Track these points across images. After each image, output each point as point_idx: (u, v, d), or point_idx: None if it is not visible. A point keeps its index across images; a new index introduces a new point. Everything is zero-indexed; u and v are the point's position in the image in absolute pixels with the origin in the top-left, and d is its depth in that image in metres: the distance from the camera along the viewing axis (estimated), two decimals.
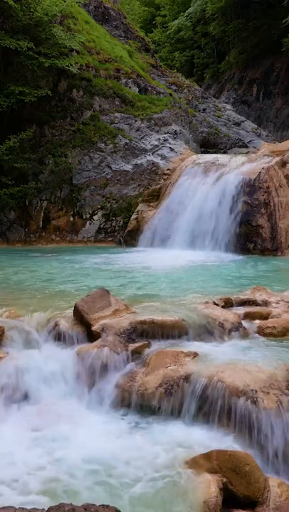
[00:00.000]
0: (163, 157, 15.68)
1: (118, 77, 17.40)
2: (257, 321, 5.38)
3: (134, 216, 14.50)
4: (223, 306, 5.61)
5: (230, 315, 5.31)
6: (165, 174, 15.20)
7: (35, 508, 2.49)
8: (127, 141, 15.94)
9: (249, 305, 5.82)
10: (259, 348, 4.76)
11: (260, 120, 28.80)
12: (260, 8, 29.86)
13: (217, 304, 5.61)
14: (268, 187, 12.46)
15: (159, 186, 14.84)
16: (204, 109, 20.61)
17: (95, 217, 15.11)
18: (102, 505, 2.51)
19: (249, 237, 12.18)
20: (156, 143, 16.06)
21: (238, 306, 5.81)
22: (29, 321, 5.14)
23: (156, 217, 13.85)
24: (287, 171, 12.57)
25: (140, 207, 14.60)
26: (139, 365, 4.49)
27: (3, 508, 2.45)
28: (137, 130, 16.34)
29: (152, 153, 15.80)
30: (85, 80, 16.45)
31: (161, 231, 13.39)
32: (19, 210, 15.10)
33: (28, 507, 2.53)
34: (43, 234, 15.12)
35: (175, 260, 10.54)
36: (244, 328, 5.23)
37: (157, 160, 15.59)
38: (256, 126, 22.90)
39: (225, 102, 27.76)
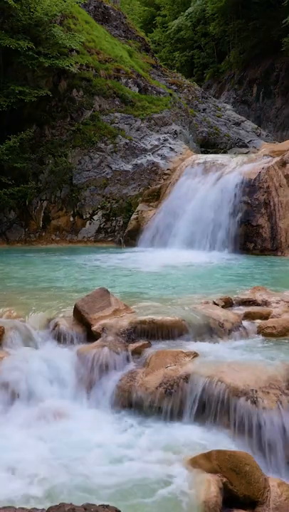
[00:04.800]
0: (163, 157, 15.67)
1: (118, 77, 17.40)
2: (257, 321, 5.38)
3: (134, 216, 14.49)
4: (223, 306, 5.61)
5: (231, 315, 5.31)
6: (165, 174, 15.20)
7: (35, 508, 2.49)
8: (127, 141, 15.93)
9: (249, 305, 5.82)
10: (259, 348, 4.76)
11: (260, 120, 28.76)
12: (260, 8, 29.81)
13: (217, 304, 5.61)
14: (268, 187, 12.46)
15: (159, 186, 14.83)
16: (204, 109, 20.61)
17: (95, 217, 15.11)
18: (102, 505, 2.51)
19: (249, 237, 12.17)
20: (156, 143, 16.05)
21: (238, 306, 5.80)
22: (29, 321, 5.14)
23: (156, 217, 13.85)
24: (287, 170, 12.57)
25: (140, 207, 14.59)
26: (139, 365, 4.49)
27: (3, 508, 2.45)
28: (137, 130, 16.34)
29: (152, 153, 15.79)
30: (85, 80, 16.44)
31: (161, 231, 13.38)
32: (19, 210, 15.09)
33: (28, 507, 2.53)
34: (43, 234, 15.12)
35: (175, 260, 10.53)
36: (244, 328, 5.23)
37: (157, 160, 15.58)
38: (256, 126, 22.89)
39: (225, 102, 27.76)
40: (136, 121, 16.49)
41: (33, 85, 15.03)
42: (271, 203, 12.28)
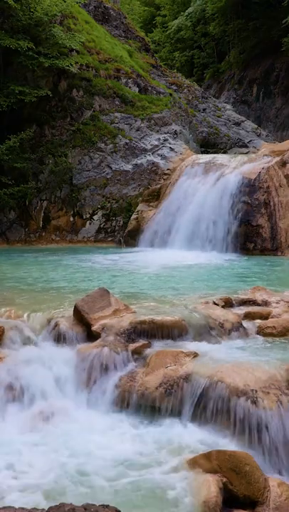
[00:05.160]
0: (163, 157, 15.67)
1: (118, 77, 17.40)
2: (257, 321, 5.38)
3: (134, 216, 14.49)
4: (223, 306, 5.61)
5: (231, 315, 5.31)
6: (165, 174, 15.20)
7: (35, 508, 2.49)
8: (127, 141, 15.93)
9: (249, 305, 5.82)
10: (259, 348, 4.76)
11: (260, 120, 28.76)
12: (260, 8, 29.80)
13: (217, 304, 5.61)
14: (268, 187, 12.46)
15: (159, 186, 14.83)
16: (204, 109, 20.61)
17: (95, 217, 15.11)
18: (102, 505, 2.51)
19: (249, 237, 12.17)
20: (156, 143, 16.05)
21: (238, 306, 5.80)
22: (29, 321, 5.14)
23: (156, 217, 13.85)
24: (287, 170, 12.56)
25: (140, 207, 14.59)
26: (139, 365, 4.49)
27: (3, 508, 2.45)
28: (137, 130, 16.34)
29: (152, 153, 15.79)
30: (85, 80, 16.45)
31: (161, 231, 13.38)
32: (19, 210, 15.09)
33: (28, 507, 2.53)
34: (43, 234, 15.12)
35: (175, 260, 10.54)
36: (244, 328, 5.23)
37: (157, 160, 15.58)
38: (256, 126, 22.90)
39: (225, 102, 27.76)
40: (136, 121, 16.49)
41: (33, 85, 15.03)
42: (271, 203, 12.28)
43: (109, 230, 15.01)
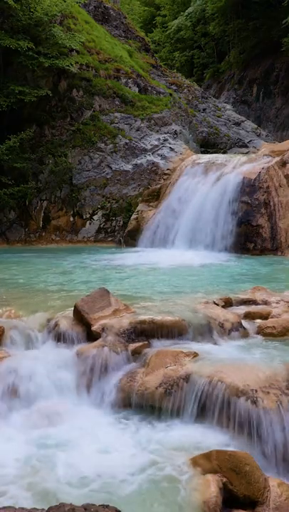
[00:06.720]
0: (163, 157, 15.67)
1: (118, 77, 17.40)
2: (257, 321, 5.38)
3: (134, 216, 14.49)
4: (223, 306, 5.61)
5: (230, 315, 5.31)
6: (165, 174, 15.20)
7: (35, 508, 2.49)
8: (127, 141, 15.93)
9: (249, 305, 5.82)
10: (259, 348, 4.76)
11: (260, 120, 28.77)
12: (260, 8, 29.81)
13: (217, 304, 5.61)
14: (267, 187, 12.46)
15: (159, 186, 14.83)
16: (204, 109, 20.61)
17: (95, 217, 15.11)
18: (102, 505, 2.51)
19: (249, 237, 12.17)
20: (156, 143, 16.05)
21: (238, 306, 5.81)
22: (29, 321, 5.14)
23: (156, 217, 13.84)
24: (287, 170, 12.56)
25: (140, 207, 14.59)
26: (139, 365, 4.48)
27: (3, 508, 2.45)
28: (137, 130, 16.34)
29: (152, 153, 15.79)
30: (85, 80, 16.45)
31: (161, 231, 13.38)
32: (19, 210, 15.10)
33: (28, 507, 2.53)
34: (43, 234, 15.12)
35: (175, 260, 10.53)
36: (244, 328, 5.23)
37: (157, 160, 15.58)
38: (256, 126, 22.90)
39: (225, 102, 27.76)
40: (136, 121, 16.49)
41: (33, 85, 15.03)
42: (271, 203, 12.28)
43: (109, 230, 15.01)
